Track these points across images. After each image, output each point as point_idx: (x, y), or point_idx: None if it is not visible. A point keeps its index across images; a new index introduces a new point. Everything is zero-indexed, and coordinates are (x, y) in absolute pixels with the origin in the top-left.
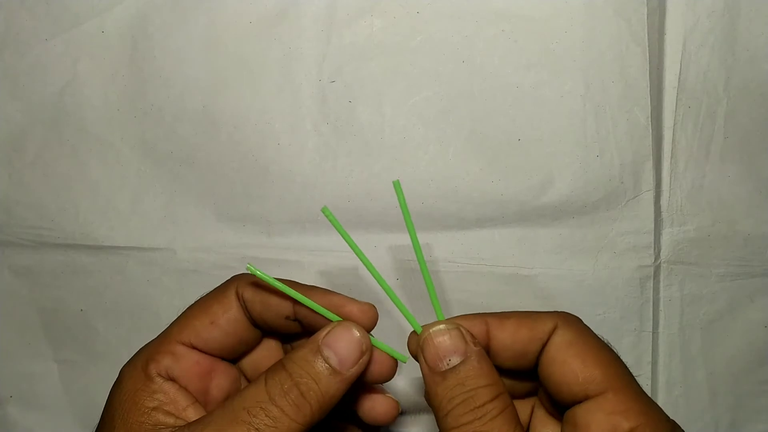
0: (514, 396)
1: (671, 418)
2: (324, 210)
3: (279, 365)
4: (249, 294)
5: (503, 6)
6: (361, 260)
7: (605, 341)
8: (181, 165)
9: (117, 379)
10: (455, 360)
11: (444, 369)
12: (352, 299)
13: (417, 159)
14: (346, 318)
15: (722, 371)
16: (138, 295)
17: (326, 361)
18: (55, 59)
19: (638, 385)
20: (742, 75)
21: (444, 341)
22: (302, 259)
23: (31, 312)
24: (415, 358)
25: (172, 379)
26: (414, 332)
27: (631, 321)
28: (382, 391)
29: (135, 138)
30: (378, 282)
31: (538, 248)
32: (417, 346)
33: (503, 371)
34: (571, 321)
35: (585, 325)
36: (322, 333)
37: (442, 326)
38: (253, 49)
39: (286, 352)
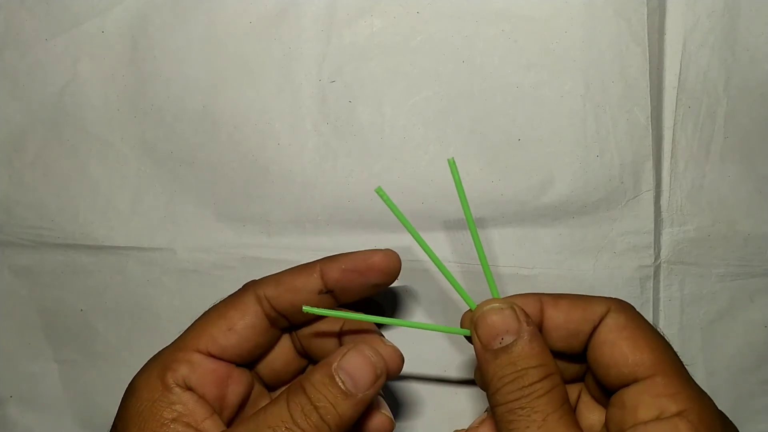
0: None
1: None
2: (378, 190)
3: (299, 386)
4: (271, 291)
5: (503, 6)
6: (418, 241)
7: (659, 329)
8: (181, 165)
9: (129, 388)
10: (508, 339)
11: (496, 347)
12: (374, 250)
13: (417, 159)
14: (375, 267)
15: (722, 371)
16: (138, 295)
17: (342, 384)
18: (55, 59)
19: (688, 373)
20: (742, 75)
21: (497, 320)
22: (302, 259)
23: (31, 312)
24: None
25: (189, 388)
26: (469, 310)
27: None
28: (380, 408)
29: (135, 138)
30: (434, 262)
31: (538, 248)
32: (470, 323)
33: (552, 354)
34: (625, 306)
35: (638, 312)
36: (337, 357)
37: (496, 305)
38: (253, 49)
39: (298, 350)
